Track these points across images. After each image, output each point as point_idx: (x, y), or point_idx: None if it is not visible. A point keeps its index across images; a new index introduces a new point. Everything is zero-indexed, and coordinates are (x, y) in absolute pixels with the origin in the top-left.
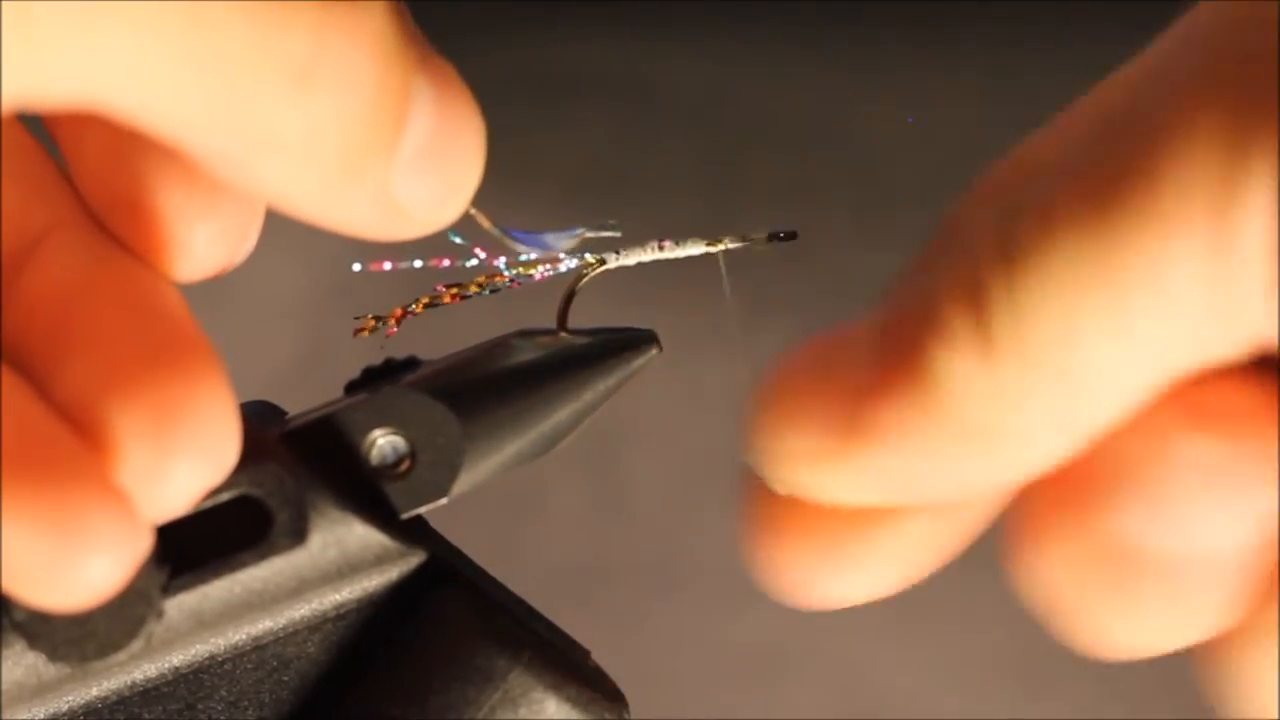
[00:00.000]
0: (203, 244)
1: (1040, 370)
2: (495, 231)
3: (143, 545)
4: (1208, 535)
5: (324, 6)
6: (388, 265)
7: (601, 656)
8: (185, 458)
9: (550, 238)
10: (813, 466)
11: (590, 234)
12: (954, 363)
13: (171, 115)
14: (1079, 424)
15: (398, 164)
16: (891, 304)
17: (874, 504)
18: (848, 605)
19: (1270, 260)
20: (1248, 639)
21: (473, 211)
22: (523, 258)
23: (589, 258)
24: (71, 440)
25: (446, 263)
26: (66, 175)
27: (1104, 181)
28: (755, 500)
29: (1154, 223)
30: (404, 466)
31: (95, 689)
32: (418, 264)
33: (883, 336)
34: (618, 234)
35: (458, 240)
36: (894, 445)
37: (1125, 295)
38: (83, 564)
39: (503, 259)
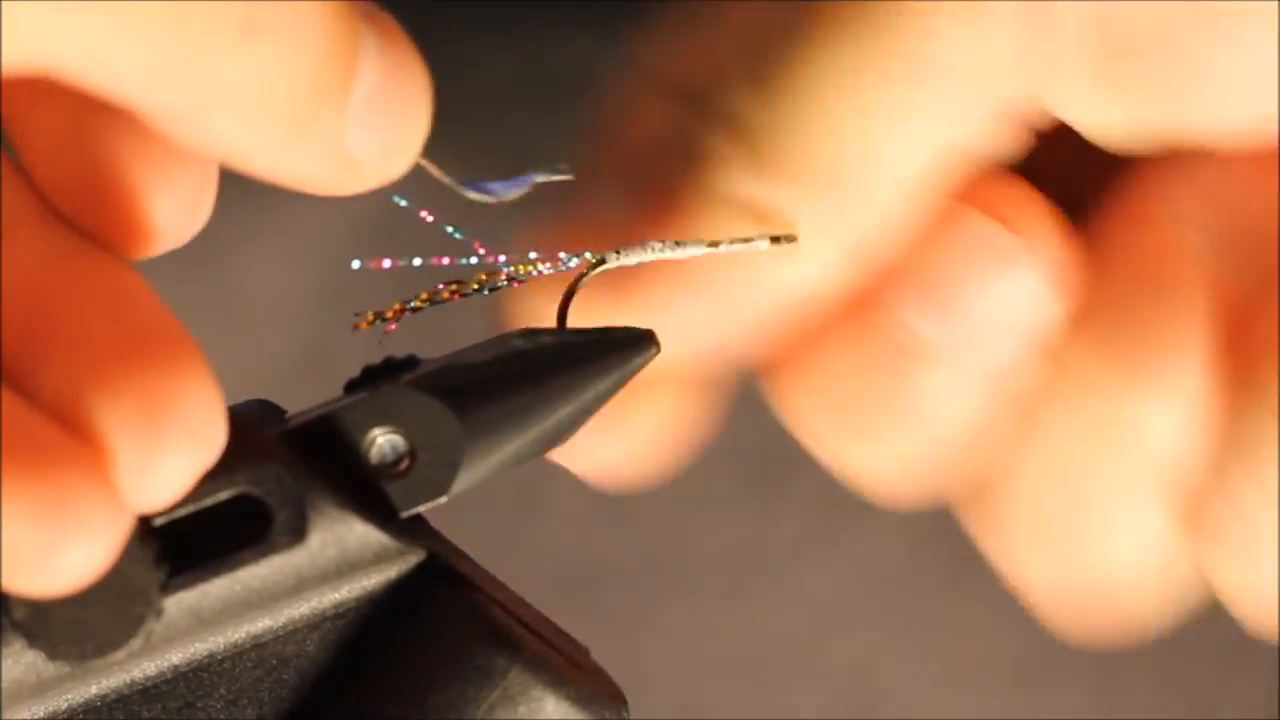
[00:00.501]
0: (164, 215)
1: (813, 170)
2: (448, 181)
3: (125, 530)
4: (978, 315)
5: None
6: (387, 263)
7: (601, 656)
8: (173, 446)
9: (502, 185)
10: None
11: (541, 178)
12: (726, 182)
13: (119, 75)
14: (856, 225)
15: (348, 115)
16: (638, 161)
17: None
18: (611, 476)
19: (1019, 23)
20: (1016, 472)
21: (422, 162)
22: (531, 254)
23: (589, 257)
24: (52, 428)
25: (446, 261)
26: (20, 172)
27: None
28: None
29: (906, 9)
30: (403, 465)
31: (94, 687)
32: (417, 262)
33: (636, 187)
34: (569, 178)
35: (458, 236)
36: (662, 279)
37: (884, 80)
38: (66, 549)
39: (503, 257)
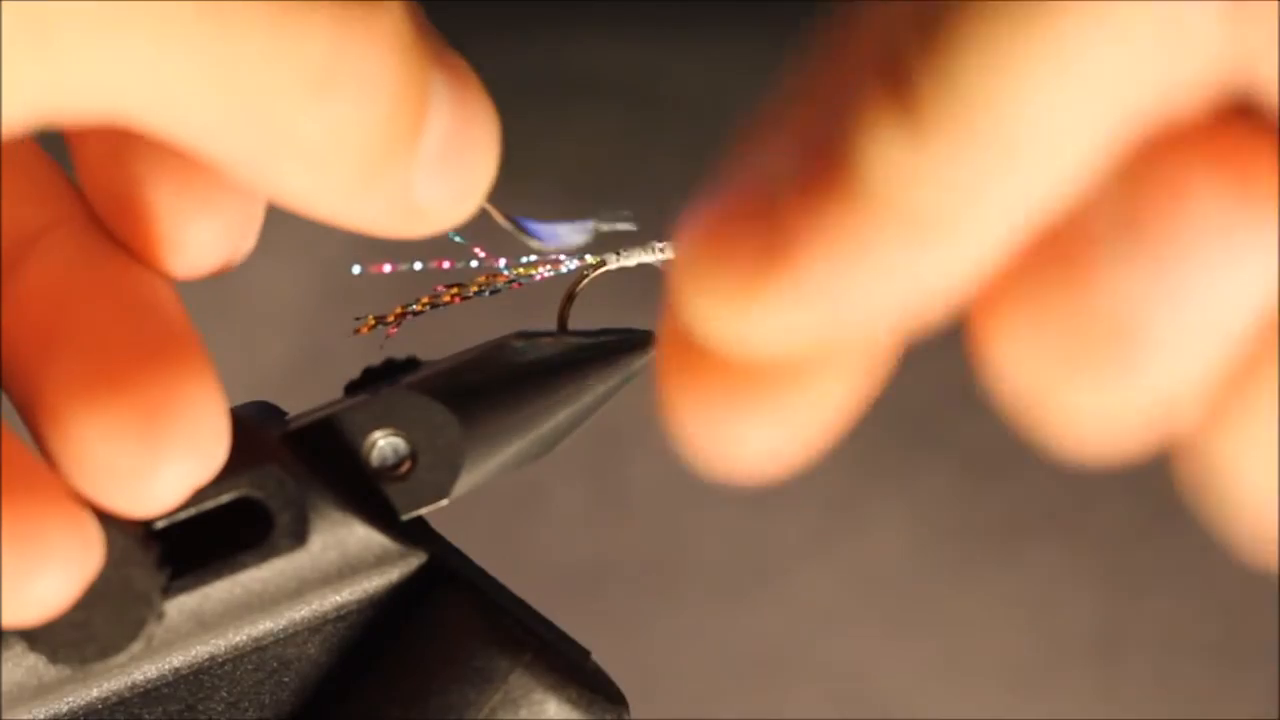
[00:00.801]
0: (203, 242)
1: (978, 140)
2: (509, 225)
3: (95, 561)
4: (1210, 295)
5: (341, 10)
6: (388, 267)
7: (601, 656)
8: (173, 454)
9: (563, 229)
10: (741, 298)
11: (604, 227)
12: (880, 150)
13: (192, 125)
14: (1029, 197)
15: (417, 165)
16: (804, 111)
17: (799, 346)
18: (758, 466)
19: None
20: (1235, 419)
21: (487, 206)
22: (531, 256)
23: (589, 258)
24: (28, 457)
25: (447, 264)
26: (68, 174)
27: None
28: (672, 359)
29: None
30: (404, 468)
31: (96, 690)
32: (418, 266)
33: (801, 146)
34: (631, 226)
35: (458, 240)
36: (826, 260)
37: (1058, 32)
38: (35, 580)
39: (503, 260)
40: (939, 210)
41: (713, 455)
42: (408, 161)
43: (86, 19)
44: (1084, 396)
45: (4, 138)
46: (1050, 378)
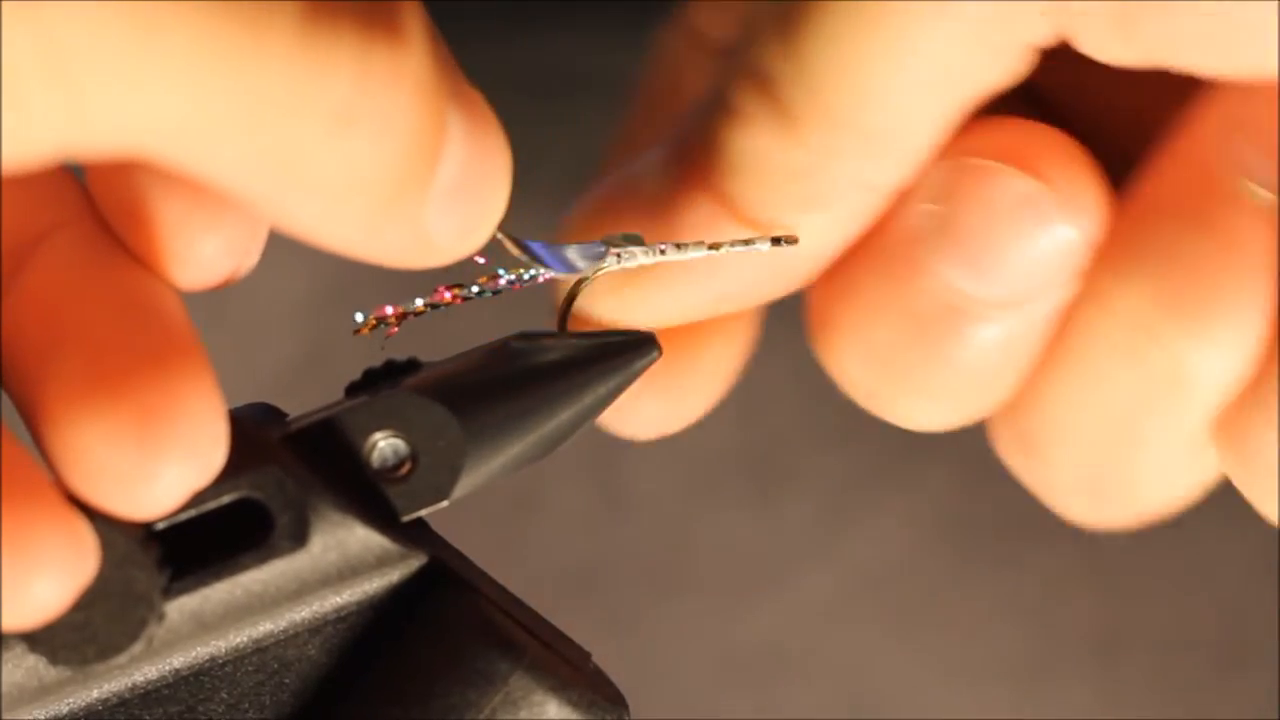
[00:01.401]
0: (209, 256)
1: (837, 123)
2: (519, 253)
3: (90, 565)
4: (1021, 273)
5: (365, 50)
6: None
7: (601, 657)
8: (170, 457)
9: (573, 252)
10: (622, 281)
11: (615, 249)
12: (753, 141)
13: (211, 162)
14: (882, 174)
15: (430, 199)
16: (679, 123)
17: (683, 316)
18: (651, 430)
19: None
20: (1050, 391)
21: (499, 235)
22: (549, 274)
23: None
24: (22, 461)
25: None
26: (76, 178)
27: None
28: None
29: None
30: (405, 469)
31: (96, 691)
32: None
33: (676, 149)
34: (641, 243)
35: None
36: (695, 239)
37: (902, 20)
38: (29, 586)
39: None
40: (803, 189)
41: (620, 420)
42: (420, 197)
43: (109, 61)
44: (911, 384)
45: (25, 172)
46: (879, 368)
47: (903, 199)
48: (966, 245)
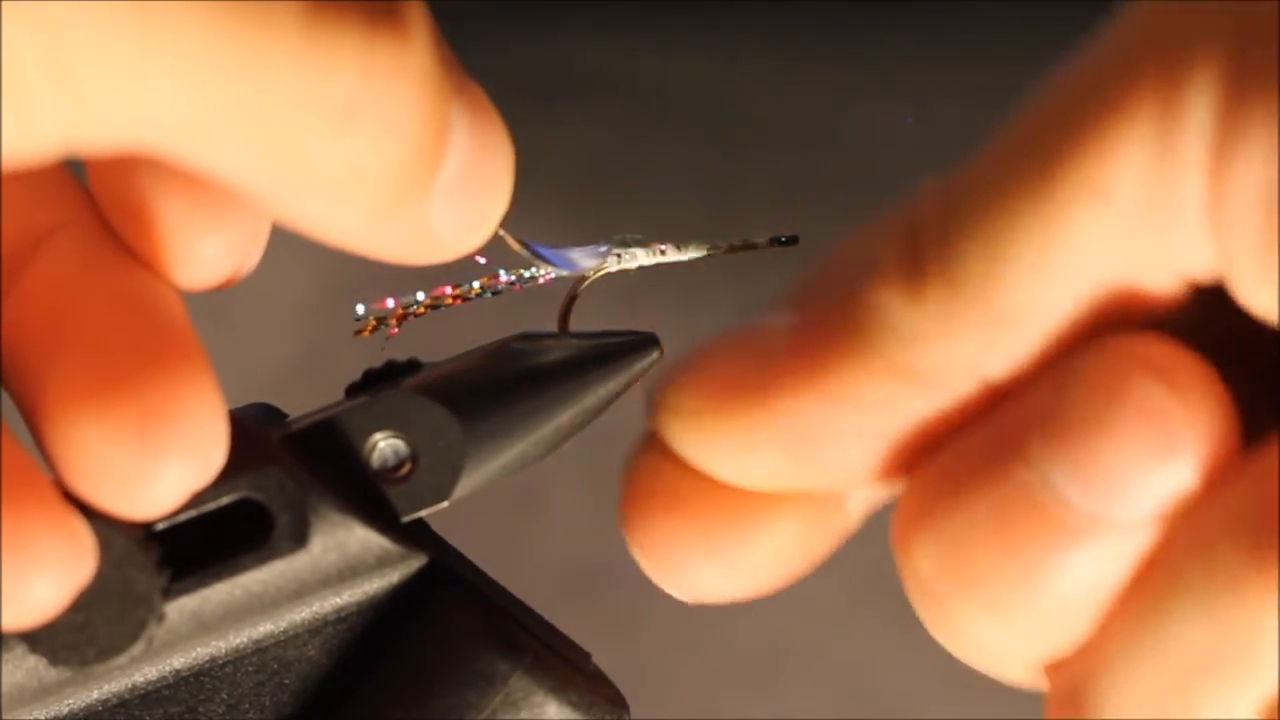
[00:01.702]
0: (210, 256)
1: (967, 296)
2: (522, 250)
3: (87, 566)
4: (1134, 493)
5: (369, 46)
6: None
7: (601, 657)
8: (170, 458)
9: (576, 253)
10: (721, 422)
11: (617, 250)
12: (881, 296)
13: (216, 157)
14: (994, 362)
15: (434, 195)
16: (812, 269)
17: (770, 479)
18: (715, 598)
19: (1210, 176)
20: (1116, 651)
21: (501, 232)
22: (550, 274)
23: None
24: (19, 461)
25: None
26: (78, 178)
27: (1044, 119)
28: (643, 476)
29: (1092, 125)
30: (405, 469)
31: (96, 692)
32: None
33: (802, 297)
34: (642, 246)
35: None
36: (809, 392)
37: (1054, 201)
38: (27, 586)
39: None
40: (923, 358)
41: (666, 580)
42: (424, 192)
43: (112, 57)
44: (988, 582)
45: (29, 169)
46: (958, 564)
47: (1022, 389)
48: (1080, 450)
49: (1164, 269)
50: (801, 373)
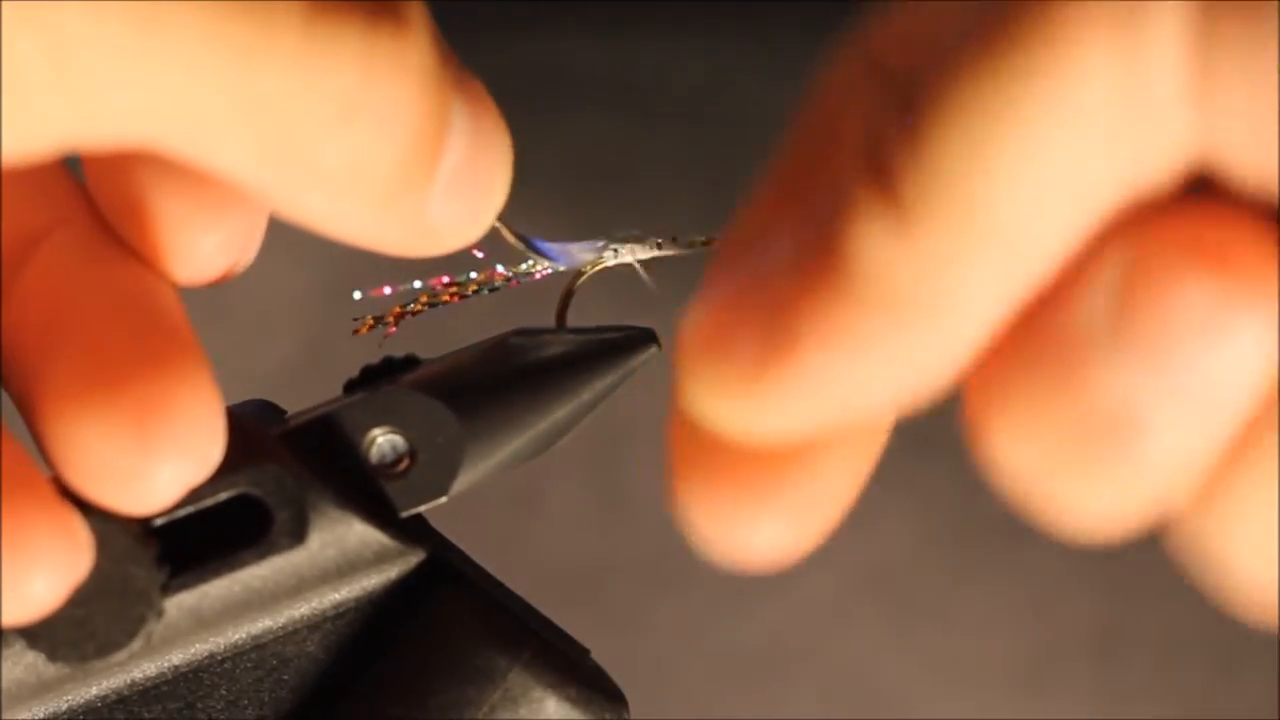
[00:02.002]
0: (208, 252)
1: (959, 228)
2: (520, 244)
3: (84, 562)
4: (1213, 378)
5: (369, 41)
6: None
7: (601, 656)
8: (166, 454)
9: (574, 248)
10: (744, 389)
11: (615, 245)
12: (869, 242)
13: (217, 153)
14: (1013, 281)
15: (434, 189)
16: (792, 201)
17: (802, 432)
18: (769, 557)
19: (1182, 63)
20: (1231, 498)
21: (498, 225)
22: (547, 269)
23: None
24: (16, 457)
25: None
26: (75, 175)
27: (997, 21)
28: (680, 448)
29: (1056, 42)
30: (403, 465)
31: (95, 688)
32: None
33: (792, 237)
34: (642, 241)
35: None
36: (823, 350)
37: (1031, 123)
38: (24, 582)
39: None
40: (927, 296)
41: (725, 546)
42: (424, 186)
43: (113, 54)
44: (1082, 488)
45: (30, 165)
46: (1047, 470)
47: (1067, 294)
48: (1148, 350)
49: (1151, 157)
50: (819, 333)
